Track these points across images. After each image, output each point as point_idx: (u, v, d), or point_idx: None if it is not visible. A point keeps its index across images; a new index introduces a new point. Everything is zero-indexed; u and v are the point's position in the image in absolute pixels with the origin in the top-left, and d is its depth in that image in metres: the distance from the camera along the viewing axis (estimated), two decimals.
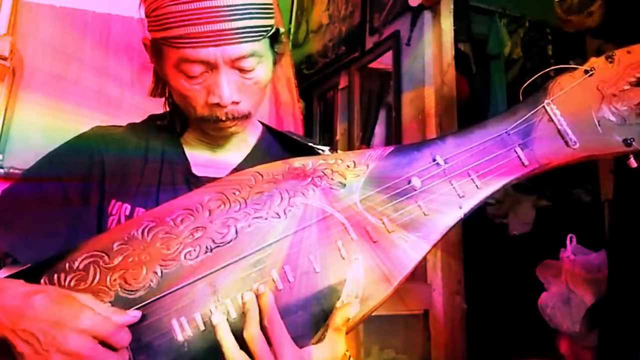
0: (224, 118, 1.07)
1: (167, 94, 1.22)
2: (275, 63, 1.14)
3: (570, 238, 3.10)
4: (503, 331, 3.45)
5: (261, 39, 1.04)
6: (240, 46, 1.01)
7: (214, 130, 1.13)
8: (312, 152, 1.16)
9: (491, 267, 3.68)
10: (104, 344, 0.82)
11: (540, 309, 3.12)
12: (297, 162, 1.00)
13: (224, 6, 0.98)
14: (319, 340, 0.88)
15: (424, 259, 0.93)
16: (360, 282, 0.89)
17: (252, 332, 0.85)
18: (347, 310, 0.88)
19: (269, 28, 1.06)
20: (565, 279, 3.01)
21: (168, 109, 1.24)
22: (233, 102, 1.05)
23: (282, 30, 1.13)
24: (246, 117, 1.10)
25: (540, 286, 3.19)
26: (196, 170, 1.16)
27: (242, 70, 1.04)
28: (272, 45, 1.11)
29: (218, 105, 1.04)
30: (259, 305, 0.87)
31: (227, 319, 0.87)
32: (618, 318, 2.46)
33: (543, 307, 3.09)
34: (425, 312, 3.20)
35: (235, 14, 0.99)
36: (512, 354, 3.54)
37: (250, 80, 1.06)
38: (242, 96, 1.06)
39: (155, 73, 1.20)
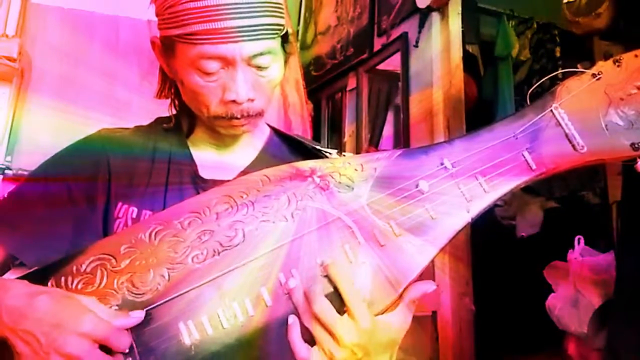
0: (239, 115, 1.07)
1: (173, 95, 1.22)
2: (285, 62, 1.15)
3: (578, 239, 3.09)
4: (511, 332, 3.45)
5: (276, 37, 1.06)
6: (258, 43, 1.02)
7: (226, 129, 1.12)
8: (320, 155, 1.16)
9: (499, 269, 3.68)
10: (105, 348, 0.83)
11: (548, 310, 3.12)
12: (305, 165, 0.99)
13: (242, 3, 0.99)
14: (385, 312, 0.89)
15: (432, 260, 0.93)
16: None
17: (321, 305, 0.86)
18: (425, 286, 0.90)
19: (282, 27, 1.07)
20: (573, 281, 3.00)
21: (174, 111, 1.24)
22: (249, 100, 1.05)
23: (290, 30, 1.13)
24: (259, 115, 1.10)
25: (548, 287, 3.19)
26: (203, 173, 1.16)
27: (258, 68, 1.05)
28: (282, 45, 1.11)
29: (234, 102, 1.04)
30: (327, 277, 0.89)
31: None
32: (626, 319, 2.45)
33: (551, 309, 3.09)
34: (433, 314, 3.20)
35: (253, 11, 1.00)
36: (520, 355, 3.54)
37: (264, 78, 1.07)
38: (257, 94, 1.06)
39: (161, 74, 1.20)
